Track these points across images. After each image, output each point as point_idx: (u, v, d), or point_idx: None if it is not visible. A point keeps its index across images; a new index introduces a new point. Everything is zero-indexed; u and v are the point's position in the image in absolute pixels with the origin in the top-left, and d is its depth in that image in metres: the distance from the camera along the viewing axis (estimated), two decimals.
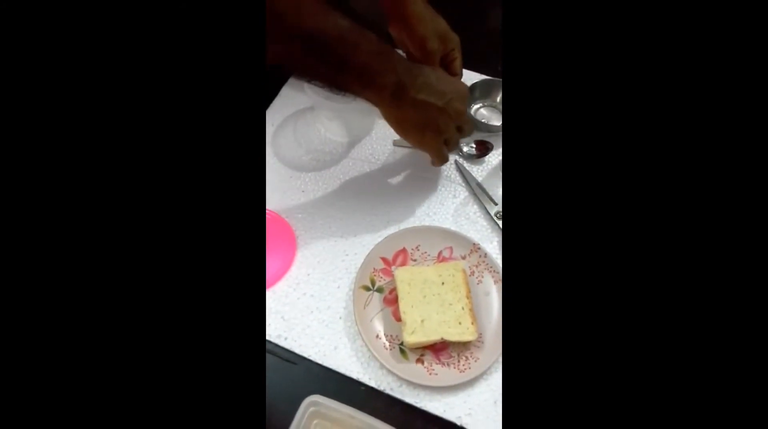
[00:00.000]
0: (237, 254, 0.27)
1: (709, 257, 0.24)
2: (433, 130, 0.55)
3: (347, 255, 0.57)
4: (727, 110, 0.25)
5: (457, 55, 0.65)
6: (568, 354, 0.26)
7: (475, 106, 0.71)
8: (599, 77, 0.26)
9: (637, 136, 0.25)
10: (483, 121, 0.69)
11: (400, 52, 0.56)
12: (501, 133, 0.68)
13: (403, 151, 0.67)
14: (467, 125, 0.58)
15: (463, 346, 0.51)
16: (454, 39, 0.64)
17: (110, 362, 0.25)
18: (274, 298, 0.54)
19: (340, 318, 0.53)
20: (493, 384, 0.49)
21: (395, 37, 0.67)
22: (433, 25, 0.62)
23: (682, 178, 0.25)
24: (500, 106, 0.71)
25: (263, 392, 0.29)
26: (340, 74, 0.48)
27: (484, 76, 0.72)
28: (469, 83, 0.69)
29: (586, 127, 0.26)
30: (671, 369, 0.24)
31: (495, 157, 0.66)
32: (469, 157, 0.66)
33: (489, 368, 0.49)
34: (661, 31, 0.25)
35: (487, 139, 0.67)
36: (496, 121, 0.70)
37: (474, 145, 0.67)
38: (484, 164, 0.66)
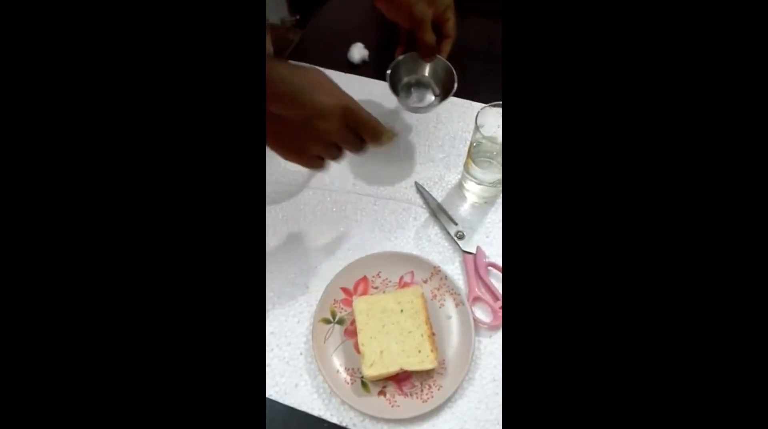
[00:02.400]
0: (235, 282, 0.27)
1: (704, 272, 0.24)
2: (289, 147, 0.49)
3: (307, 287, 0.57)
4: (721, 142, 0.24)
5: (450, 16, 0.60)
6: (566, 370, 0.25)
7: (405, 81, 0.66)
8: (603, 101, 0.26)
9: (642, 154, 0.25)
10: (414, 105, 0.65)
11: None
12: (436, 106, 0.65)
13: (362, 177, 0.67)
14: (345, 144, 0.49)
15: (426, 375, 0.50)
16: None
17: (105, 375, 0.25)
18: None
19: (301, 354, 0.52)
20: (458, 411, 0.48)
21: (383, 11, 0.61)
22: None
23: (677, 200, 0.25)
24: (428, 79, 0.67)
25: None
26: None
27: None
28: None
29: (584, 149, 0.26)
30: (667, 375, 0.24)
31: (454, 177, 0.66)
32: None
33: (453, 395, 0.49)
34: (661, 40, 0.25)
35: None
36: (431, 95, 0.66)
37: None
38: (444, 185, 0.66)
